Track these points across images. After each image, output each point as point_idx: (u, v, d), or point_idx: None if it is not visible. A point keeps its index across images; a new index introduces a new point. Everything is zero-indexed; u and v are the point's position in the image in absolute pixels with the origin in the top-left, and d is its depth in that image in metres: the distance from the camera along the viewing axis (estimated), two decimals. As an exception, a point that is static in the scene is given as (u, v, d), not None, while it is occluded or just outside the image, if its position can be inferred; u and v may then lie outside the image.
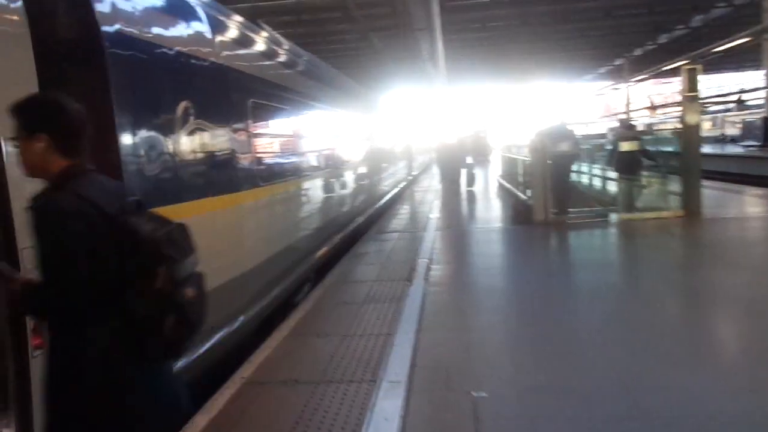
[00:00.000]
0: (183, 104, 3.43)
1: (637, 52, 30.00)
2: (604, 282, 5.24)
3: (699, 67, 7.87)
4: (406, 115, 21.55)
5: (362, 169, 9.78)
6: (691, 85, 7.68)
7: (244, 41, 4.83)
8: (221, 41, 4.15)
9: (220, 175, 3.94)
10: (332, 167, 7.37)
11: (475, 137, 17.54)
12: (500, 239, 7.76)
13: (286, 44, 6.47)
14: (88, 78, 2.68)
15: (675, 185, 8.57)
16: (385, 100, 15.95)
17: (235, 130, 4.16)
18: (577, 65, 32.99)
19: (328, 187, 7.02)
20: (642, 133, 9.50)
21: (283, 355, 3.64)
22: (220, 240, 3.77)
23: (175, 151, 3.35)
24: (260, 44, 5.30)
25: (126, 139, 2.87)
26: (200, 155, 3.64)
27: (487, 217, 9.99)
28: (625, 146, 8.64)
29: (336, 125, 8.12)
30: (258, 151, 4.70)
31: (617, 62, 33.16)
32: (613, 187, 9.71)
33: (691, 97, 7.71)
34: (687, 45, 26.77)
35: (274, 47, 5.79)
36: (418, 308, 4.47)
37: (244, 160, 4.31)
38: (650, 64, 29.42)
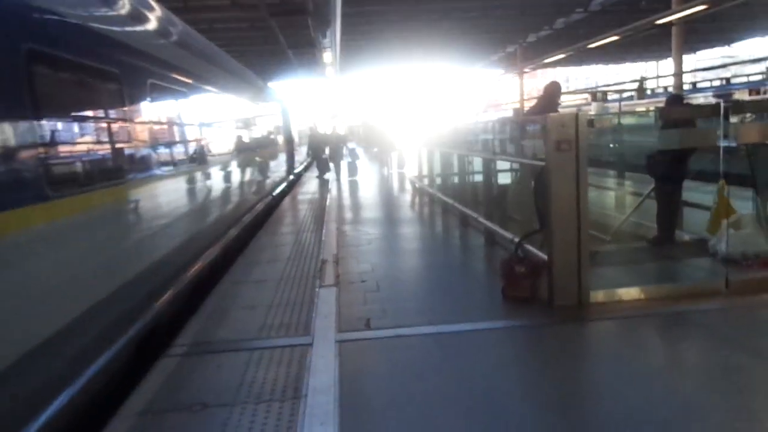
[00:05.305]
0: None
1: (531, 38, 28.22)
2: None
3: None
4: (281, 95, 17.07)
5: (206, 178, 5.50)
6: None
7: None
8: None
9: None
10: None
11: (370, 126, 14.14)
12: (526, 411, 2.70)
13: None
14: None
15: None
16: (251, 75, 11.56)
17: None
18: (474, 49, 30.66)
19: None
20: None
21: None
22: None
23: None
24: None
25: None
26: None
27: (440, 281, 5.13)
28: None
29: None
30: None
31: (509, 49, 31.39)
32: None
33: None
34: (582, 33, 25.40)
35: None
36: None
37: None
38: (541, 52, 27.74)
